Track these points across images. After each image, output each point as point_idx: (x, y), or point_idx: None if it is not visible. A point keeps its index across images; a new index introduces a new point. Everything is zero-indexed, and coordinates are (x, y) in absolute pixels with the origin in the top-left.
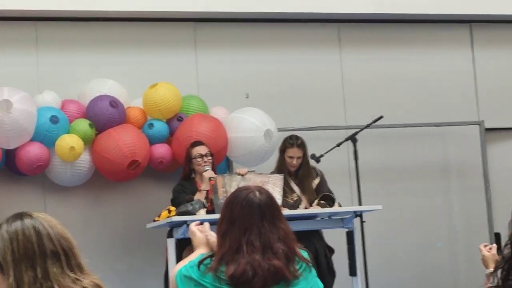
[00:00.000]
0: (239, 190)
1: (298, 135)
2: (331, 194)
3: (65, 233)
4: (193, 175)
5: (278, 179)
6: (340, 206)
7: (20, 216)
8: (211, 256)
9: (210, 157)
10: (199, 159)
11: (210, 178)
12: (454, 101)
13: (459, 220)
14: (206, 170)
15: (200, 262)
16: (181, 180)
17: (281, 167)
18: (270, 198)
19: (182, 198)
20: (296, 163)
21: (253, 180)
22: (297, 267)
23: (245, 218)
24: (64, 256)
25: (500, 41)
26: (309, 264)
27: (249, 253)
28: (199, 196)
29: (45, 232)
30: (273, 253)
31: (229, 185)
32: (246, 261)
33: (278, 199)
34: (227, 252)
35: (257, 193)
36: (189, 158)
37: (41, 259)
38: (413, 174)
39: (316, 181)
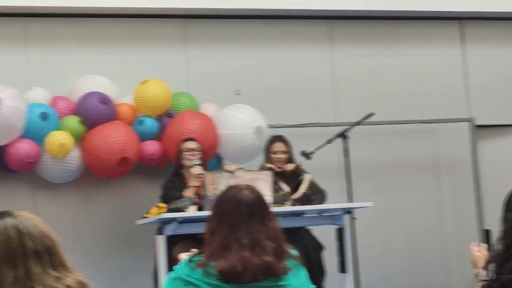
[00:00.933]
0: (228, 188)
1: (289, 132)
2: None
3: (47, 231)
4: (182, 171)
5: (267, 175)
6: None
7: (1, 215)
8: (200, 253)
9: (198, 152)
10: (186, 153)
11: (198, 175)
12: (444, 98)
13: (449, 217)
14: (194, 166)
15: (189, 260)
16: (170, 177)
17: (266, 165)
18: (259, 196)
19: (171, 194)
20: (282, 157)
21: (242, 177)
22: (287, 263)
23: (233, 216)
24: (47, 254)
25: (490, 38)
26: (299, 262)
27: (237, 250)
28: (188, 193)
29: (26, 231)
30: (262, 249)
31: (218, 182)
32: (235, 257)
33: (268, 196)
34: (215, 250)
35: (246, 192)
36: (178, 152)
37: (23, 259)
38: (404, 171)
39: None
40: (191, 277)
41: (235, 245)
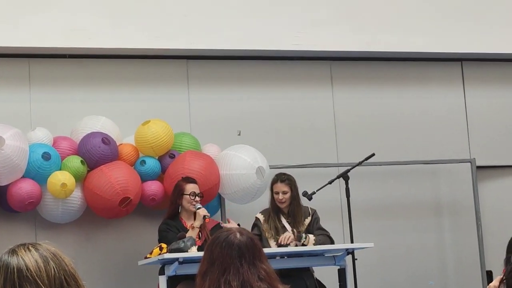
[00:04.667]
0: (221, 231)
1: (290, 172)
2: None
3: (60, 271)
4: (180, 211)
5: None
6: (305, 238)
7: (13, 251)
8: None
9: (201, 197)
10: (192, 197)
11: (204, 216)
12: (445, 138)
13: (451, 258)
14: (200, 208)
15: None
16: (166, 219)
17: (272, 205)
18: (251, 239)
19: (170, 237)
20: (282, 198)
21: None
22: None
23: (224, 258)
24: None
25: (491, 79)
26: None
27: None
28: (192, 234)
29: (26, 274)
30: None
31: None
32: None
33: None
34: None
35: (237, 235)
36: (180, 193)
37: None
38: (405, 212)
39: (308, 220)
40: None
41: None
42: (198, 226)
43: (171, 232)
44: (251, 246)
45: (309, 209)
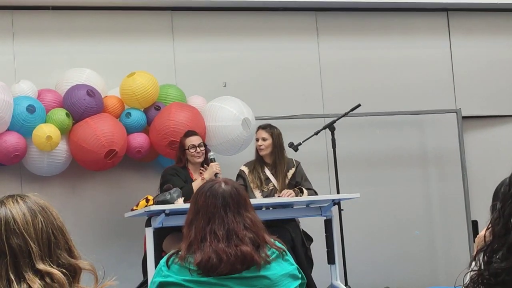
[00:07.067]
0: (206, 182)
1: (276, 123)
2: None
3: (48, 223)
4: (187, 164)
5: None
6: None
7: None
8: (177, 252)
9: (203, 148)
10: (192, 150)
11: (216, 174)
12: (431, 89)
13: (437, 208)
14: (213, 159)
15: (168, 259)
16: (175, 165)
17: (256, 155)
18: (236, 188)
19: (175, 180)
20: (261, 144)
21: None
22: (269, 253)
23: (208, 208)
24: (41, 248)
25: (476, 29)
26: (282, 252)
27: (213, 241)
28: (200, 183)
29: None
30: (239, 240)
31: None
32: (211, 249)
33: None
34: (193, 241)
35: (222, 184)
36: (182, 149)
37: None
38: (390, 162)
39: (292, 171)
40: (169, 276)
41: (210, 237)
42: (208, 179)
43: (177, 176)
44: (235, 195)
45: (293, 161)
